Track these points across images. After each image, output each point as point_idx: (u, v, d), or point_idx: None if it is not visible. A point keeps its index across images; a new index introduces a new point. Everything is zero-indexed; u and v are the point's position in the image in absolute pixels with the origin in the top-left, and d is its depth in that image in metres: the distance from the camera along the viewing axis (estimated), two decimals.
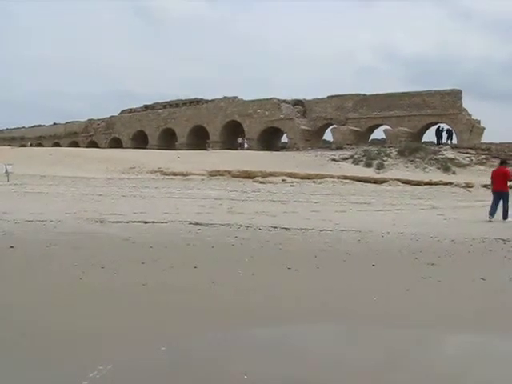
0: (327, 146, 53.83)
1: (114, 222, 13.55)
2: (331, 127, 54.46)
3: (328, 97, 56.53)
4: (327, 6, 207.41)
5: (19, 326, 5.78)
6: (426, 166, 40.83)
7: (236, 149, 55.89)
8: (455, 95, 48.44)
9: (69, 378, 4.56)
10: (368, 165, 40.98)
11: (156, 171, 36.39)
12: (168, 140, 65.93)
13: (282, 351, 5.37)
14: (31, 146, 67.93)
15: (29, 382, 4.51)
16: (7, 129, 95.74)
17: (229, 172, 35.26)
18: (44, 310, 6.42)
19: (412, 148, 43.66)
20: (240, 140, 59.56)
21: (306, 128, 55.04)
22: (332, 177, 33.95)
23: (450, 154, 42.07)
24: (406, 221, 15.42)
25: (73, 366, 4.79)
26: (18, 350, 5.13)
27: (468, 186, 32.12)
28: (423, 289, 7.74)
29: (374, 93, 53.28)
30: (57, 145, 76.70)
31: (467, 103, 53.34)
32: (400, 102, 50.69)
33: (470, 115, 48.56)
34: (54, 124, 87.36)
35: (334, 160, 42.78)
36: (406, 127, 49.19)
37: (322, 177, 33.94)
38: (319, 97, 57.81)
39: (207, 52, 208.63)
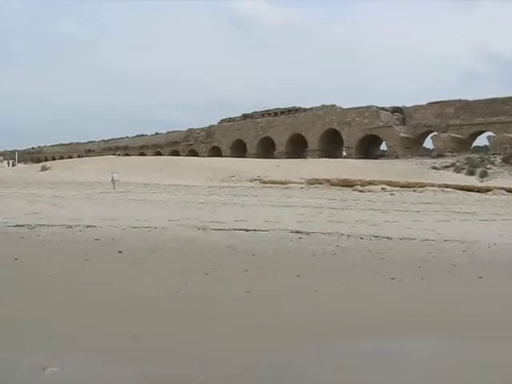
0: (427, 153, 52.64)
1: (215, 229, 13.75)
2: (431, 134, 53.15)
3: (428, 103, 55.34)
4: (424, 8, 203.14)
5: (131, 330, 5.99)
6: None
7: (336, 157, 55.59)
8: None
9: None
10: (470, 173, 39.72)
11: (255, 179, 36.69)
12: (266, 148, 66.37)
13: (383, 366, 5.27)
14: (119, 155, 69.87)
15: None
16: (112, 139, 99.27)
17: (328, 180, 35.08)
18: (151, 317, 6.62)
19: None
20: None
21: (406, 135, 54.02)
22: (433, 185, 33.14)
23: None
24: None
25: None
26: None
27: None
28: None
29: (476, 98, 51.73)
30: (158, 154, 78.72)
31: None
32: (505, 107, 48.89)
33: None
34: (156, 134, 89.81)
35: (434, 168, 41.76)
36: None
37: (423, 185, 33.20)
38: (419, 103, 56.71)
39: (303, 60, 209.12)
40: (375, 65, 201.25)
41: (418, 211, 20.07)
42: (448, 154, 47.48)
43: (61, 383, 4.76)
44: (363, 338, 6.03)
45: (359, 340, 5.99)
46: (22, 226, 13.92)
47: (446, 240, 12.65)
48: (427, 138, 55.32)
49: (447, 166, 42.40)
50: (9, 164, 75.78)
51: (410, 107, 57.05)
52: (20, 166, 75.22)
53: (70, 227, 13.75)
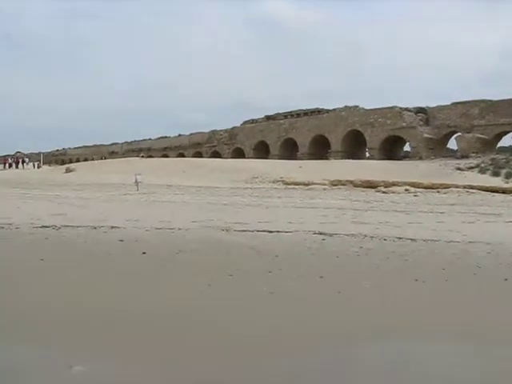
0: (451, 154, 52.15)
1: (239, 230, 13.78)
2: (456, 135, 52.63)
3: (452, 103, 54.79)
4: (448, 8, 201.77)
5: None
6: None
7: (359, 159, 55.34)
8: None
9: None
10: (495, 174, 39.27)
11: (278, 181, 36.64)
12: (289, 150, 66.28)
13: (405, 369, 5.24)
14: (142, 157, 70.19)
15: None
16: (135, 140, 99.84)
17: (351, 181, 34.92)
18: (174, 318, 6.65)
19: None
20: None
21: (429, 136, 53.59)
22: (457, 186, 32.82)
23: None
24: None
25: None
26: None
27: None
28: None
29: (501, 98, 51.14)
30: (181, 155, 78.97)
31: None
32: None
33: None
34: (179, 135, 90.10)
35: (459, 169, 41.37)
36: None
37: (447, 186, 32.90)
38: (442, 104, 56.21)
39: (325, 60, 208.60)
40: (399, 66, 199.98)
41: (442, 212, 19.92)
42: (472, 154, 47.00)
43: (87, 381, 4.81)
44: (387, 340, 6.02)
45: (383, 342, 5.97)
46: (48, 227, 14.08)
47: (470, 242, 12.54)
48: (451, 139, 54.88)
49: (472, 167, 41.99)
50: (34, 166, 76.53)
51: (433, 107, 56.47)
52: (45, 167, 75.79)
53: (95, 228, 13.88)
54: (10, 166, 74.22)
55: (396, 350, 5.79)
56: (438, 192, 31.29)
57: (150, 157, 76.76)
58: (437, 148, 53.32)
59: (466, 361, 5.62)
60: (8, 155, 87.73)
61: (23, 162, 76.97)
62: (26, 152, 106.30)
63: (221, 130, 79.11)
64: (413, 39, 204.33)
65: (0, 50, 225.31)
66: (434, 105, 56.67)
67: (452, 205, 23.45)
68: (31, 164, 77.65)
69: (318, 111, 66.57)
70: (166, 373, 5.04)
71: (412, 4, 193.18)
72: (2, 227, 14.04)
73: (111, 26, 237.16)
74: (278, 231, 13.59)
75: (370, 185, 33.88)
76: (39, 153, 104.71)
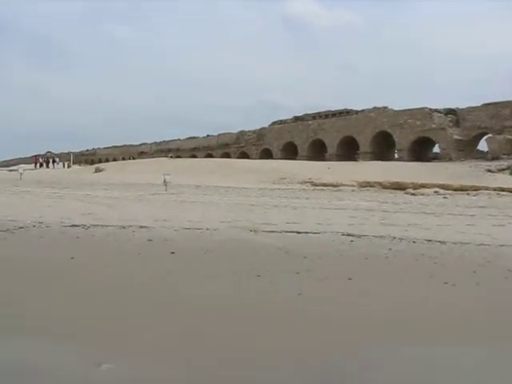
0: (482, 156, 51.52)
1: (267, 231, 13.77)
2: (486, 136, 52.00)
3: (483, 105, 54.11)
4: (476, 7, 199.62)
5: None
6: None
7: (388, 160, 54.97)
8: None
9: None
10: None
11: (306, 182, 36.56)
12: (317, 151, 66.14)
13: (428, 381, 5.18)
14: (171, 157, 70.57)
15: None
16: (164, 141, 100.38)
17: (379, 183, 34.71)
18: (202, 318, 6.67)
19: None
20: None
21: (459, 138, 53.05)
22: (487, 189, 32.44)
23: None
24: None
25: None
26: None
27: None
28: None
29: None
30: (209, 156, 79.31)
31: None
32: None
33: None
34: (207, 136, 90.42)
35: (489, 171, 40.89)
36: None
37: (477, 188, 32.53)
38: (473, 105, 55.57)
39: (355, 61, 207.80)
40: (427, 66, 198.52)
41: (472, 215, 19.70)
42: (503, 156, 46.38)
43: (116, 379, 4.85)
44: (414, 343, 5.96)
45: (411, 345, 5.92)
46: (78, 226, 14.22)
47: (501, 245, 12.37)
48: (481, 140, 54.30)
49: (503, 169, 41.47)
50: (64, 165, 77.43)
51: (463, 109, 55.85)
52: (75, 167, 76.70)
53: (124, 228, 13.98)
54: (41, 165, 75.18)
55: (424, 355, 5.70)
56: (468, 194, 30.96)
57: (179, 157, 77.17)
58: (467, 150, 52.75)
59: (499, 368, 5.51)
60: (39, 155, 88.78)
61: (54, 161, 77.97)
62: (56, 152, 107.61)
63: (249, 131, 79.25)
64: (441, 39, 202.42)
65: (33, 50, 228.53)
66: (464, 106, 56.09)
67: (482, 207, 23.18)
68: (61, 164, 78.59)
69: (347, 112, 66.38)
70: (192, 372, 5.06)
71: (439, 3, 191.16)
72: (34, 226, 14.22)
73: (142, 26, 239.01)
74: (306, 232, 13.56)
75: (399, 186, 33.64)
76: (69, 153, 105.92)
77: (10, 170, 65.50)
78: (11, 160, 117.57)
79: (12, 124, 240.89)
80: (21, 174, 45.38)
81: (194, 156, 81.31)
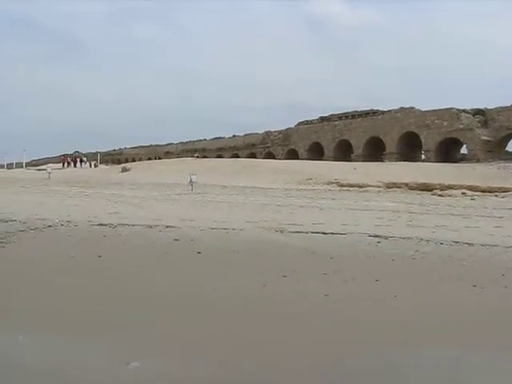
0: (510, 157, 51.00)
1: (293, 232, 13.74)
2: None
3: None
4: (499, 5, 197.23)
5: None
6: None
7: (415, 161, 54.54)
8: None
9: None
10: None
11: (332, 182, 36.42)
12: (343, 151, 65.91)
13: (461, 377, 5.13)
14: (197, 157, 70.69)
15: None
16: (190, 141, 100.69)
17: (406, 184, 34.46)
18: (229, 318, 6.68)
19: None
20: None
21: (488, 139, 52.44)
22: None
23: None
24: None
25: None
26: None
27: None
28: None
29: None
30: (235, 156, 79.32)
31: None
32: None
33: None
34: (234, 136, 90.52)
35: None
36: None
37: (506, 190, 32.15)
38: (502, 105, 54.87)
39: (380, 60, 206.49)
40: (454, 65, 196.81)
41: (500, 217, 19.47)
42: None
43: (144, 378, 4.88)
44: (443, 345, 5.88)
45: (439, 348, 5.84)
46: (105, 225, 14.33)
47: None
48: (511, 141, 53.67)
49: None
50: (91, 165, 78.16)
51: (492, 109, 55.15)
52: (102, 167, 77.33)
53: (150, 227, 14.06)
54: (69, 164, 75.94)
55: (451, 360, 5.62)
56: (496, 196, 30.60)
57: (205, 157, 77.38)
58: (495, 151, 52.14)
59: None
60: (67, 154, 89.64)
61: (81, 161, 78.76)
62: (83, 152, 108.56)
63: (275, 131, 79.20)
64: (467, 38, 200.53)
65: (59, 50, 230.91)
66: (493, 106, 55.39)
67: (510, 209, 22.89)
68: (88, 163, 79.36)
69: (373, 112, 66.03)
70: (220, 370, 5.06)
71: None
72: (62, 224, 14.36)
73: (168, 25, 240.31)
74: (332, 233, 13.50)
75: (426, 188, 33.36)
76: (96, 152, 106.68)
77: (39, 170, 66.32)
78: (40, 159, 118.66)
79: (40, 124, 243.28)
80: (49, 174, 45.99)
81: (220, 156, 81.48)
